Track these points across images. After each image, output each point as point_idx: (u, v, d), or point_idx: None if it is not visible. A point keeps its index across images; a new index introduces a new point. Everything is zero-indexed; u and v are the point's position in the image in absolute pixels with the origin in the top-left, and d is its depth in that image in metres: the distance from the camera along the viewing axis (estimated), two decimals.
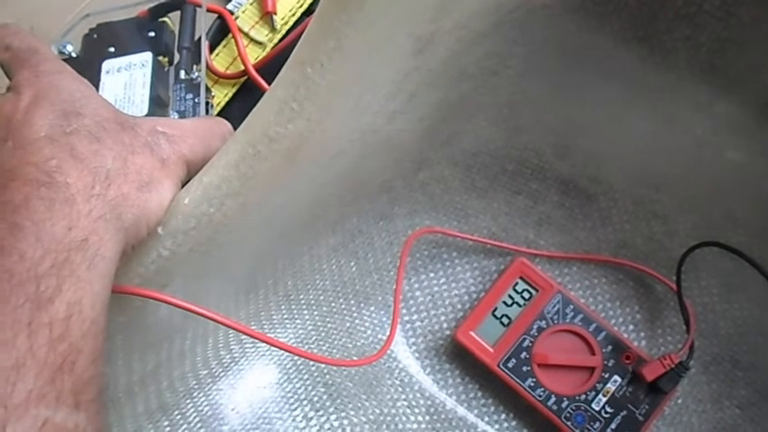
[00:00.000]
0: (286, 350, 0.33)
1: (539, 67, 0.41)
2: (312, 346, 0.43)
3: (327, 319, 0.44)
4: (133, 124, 0.29)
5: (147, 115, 0.37)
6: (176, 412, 0.38)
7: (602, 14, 0.38)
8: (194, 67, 0.39)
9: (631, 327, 0.46)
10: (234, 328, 0.30)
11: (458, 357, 0.46)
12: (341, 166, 0.37)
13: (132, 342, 0.33)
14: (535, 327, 0.44)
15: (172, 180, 0.29)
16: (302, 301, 0.43)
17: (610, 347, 0.44)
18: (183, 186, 0.30)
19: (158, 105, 0.37)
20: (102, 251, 0.25)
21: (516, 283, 0.45)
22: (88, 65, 0.39)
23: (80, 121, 0.27)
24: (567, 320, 0.44)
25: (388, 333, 0.46)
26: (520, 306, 0.45)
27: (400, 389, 0.45)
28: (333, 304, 0.45)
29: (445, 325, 0.47)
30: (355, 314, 0.46)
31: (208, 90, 0.39)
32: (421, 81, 0.37)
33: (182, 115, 0.37)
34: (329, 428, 0.41)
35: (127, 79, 0.38)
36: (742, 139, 0.40)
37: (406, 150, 0.43)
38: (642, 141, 0.43)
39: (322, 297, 0.44)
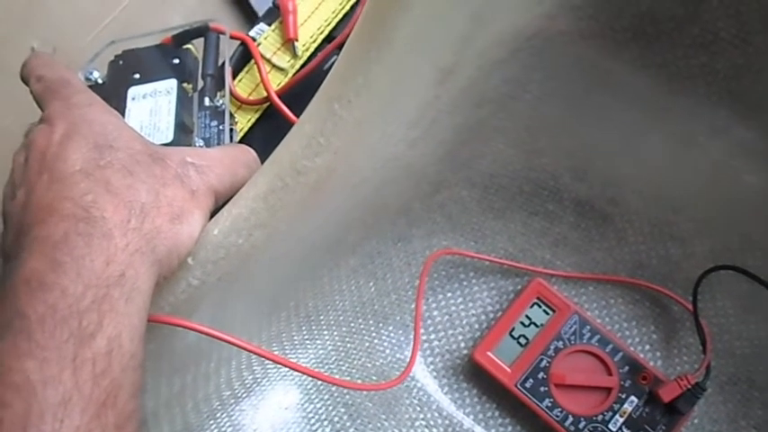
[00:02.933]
0: (307, 374, 0.34)
1: (557, 91, 0.41)
2: (332, 366, 0.43)
3: (347, 340, 0.45)
4: (163, 156, 0.30)
5: (172, 142, 0.37)
6: None
7: (620, 41, 0.38)
8: (218, 93, 0.40)
9: (648, 347, 0.46)
10: (256, 353, 0.31)
11: (475, 377, 0.46)
12: (363, 193, 0.37)
13: (161, 367, 0.33)
14: (552, 347, 0.45)
15: (201, 210, 0.30)
16: (322, 322, 0.44)
17: (626, 368, 0.44)
18: (211, 216, 0.30)
19: (183, 132, 0.38)
20: (139, 284, 0.25)
21: (533, 304, 0.46)
22: (114, 91, 0.40)
23: (113, 155, 0.28)
24: (584, 341, 0.45)
25: (406, 353, 0.46)
26: (537, 327, 0.45)
27: (419, 408, 0.45)
28: (352, 324, 0.45)
29: (463, 345, 0.47)
30: (374, 334, 0.46)
31: (231, 116, 0.40)
32: (442, 108, 0.37)
33: (207, 142, 0.38)
34: None
35: (152, 106, 0.39)
36: (759, 163, 0.41)
37: (424, 174, 0.43)
38: (659, 164, 0.43)
39: (342, 317, 0.45)
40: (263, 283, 0.36)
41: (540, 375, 0.44)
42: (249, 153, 0.34)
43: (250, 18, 0.74)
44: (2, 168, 0.61)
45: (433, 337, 0.47)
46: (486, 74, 0.38)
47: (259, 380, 0.41)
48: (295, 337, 0.42)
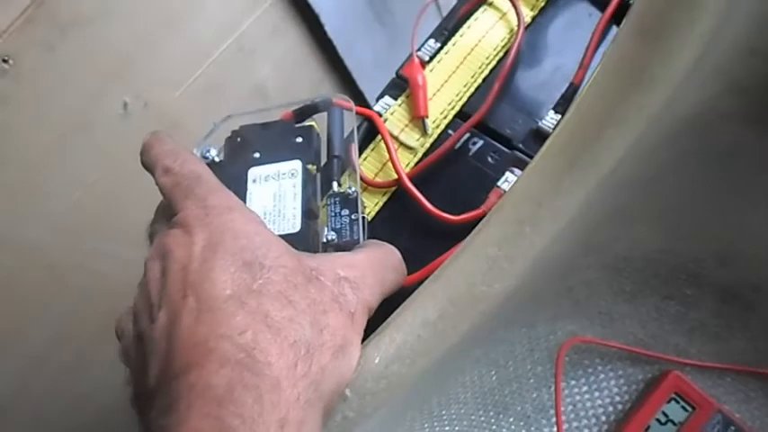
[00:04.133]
0: None
1: (710, 175, 0.38)
2: None
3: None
4: (317, 272, 0.27)
5: (299, 231, 0.34)
6: None
7: None
8: (345, 175, 0.37)
9: None
10: None
11: None
12: (509, 291, 0.34)
13: None
14: None
15: (359, 335, 0.27)
16: (444, 417, 0.41)
17: None
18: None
19: (310, 218, 0.35)
20: None
21: (670, 399, 0.42)
22: (233, 171, 0.37)
23: (265, 276, 0.25)
24: None
25: None
26: (675, 425, 0.41)
27: None
28: (472, 417, 0.42)
29: None
30: (494, 426, 0.43)
31: (362, 203, 0.37)
32: (592, 203, 0.34)
33: (338, 233, 0.35)
34: None
35: (276, 190, 0.36)
36: None
37: (555, 259, 0.40)
38: None
39: (463, 410, 0.41)
40: (400, 399, 0.33)
41: None
42: (395, 255, 0.31)
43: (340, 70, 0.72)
44: (90, 226, 0.59)
45: (556, 429, 0.44)
46: (637, 161, 0.35)
47: None
48: None
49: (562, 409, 0.44)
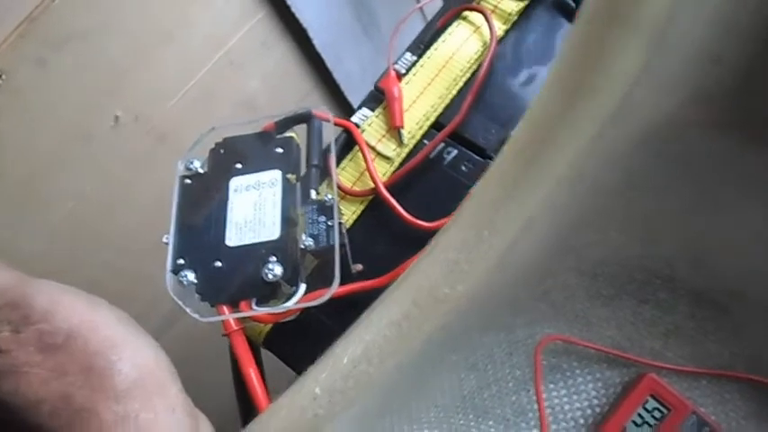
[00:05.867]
0: None
1: (683, 182, 0.39)
2: None
3: None
4: None
5: (279, 238, 0.36)
6: None
7: (757, 133, 0.36)
8: (323, 184, 0.38)
9: None
10: None
11: None
12: (483, 295, 0.35)
13: None
14: None
15: None
16: (423, 421, 0.41)
17: None
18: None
19: (289, 226, 0.36)
20: None
21: (646, 401, 0.43)
22: (216, 182, 0.39)
23: None
24: None
25: None
26: (650, 426, 0.42)
27: None
28: (452, 421, 0.43)
29: None
30: (474, 430, 0.44)
31: (339, 210, 0.38)
32: (559, 206, 0.35)
33: (315, 239, 0.36)
34: None
35: (256, 199, 0.37)
36: None
37: (532, 265, 0.41)
38: None
39: (442, 414, 0.42)
40: (374, 399, 0.34)
41: None
42: None
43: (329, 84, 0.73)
44: (84, 235, 0.61)
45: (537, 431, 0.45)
46: (610, 168, 0.36)
47: None
48: None
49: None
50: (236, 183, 0.38)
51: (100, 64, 0.56)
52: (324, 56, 0.69)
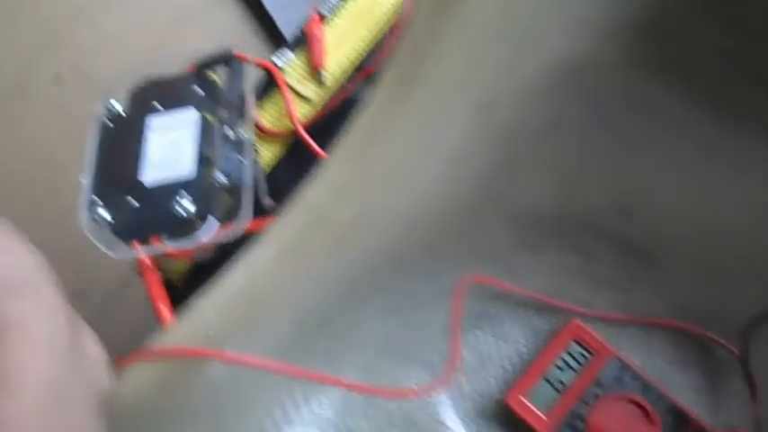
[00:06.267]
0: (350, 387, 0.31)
1: (601, 123, 0.39)
2: (357, 411, 0.41)
3: (371, 382, 0.43)
4: None
5: (196, 177, 0.36)
6: None
7: (668, 71, 0.36)
8: (241, 123, 0.38)
9: (692, 394, 0.43)
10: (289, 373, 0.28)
11: (508, 423, 0.44)
12: (392, 232, 0.35)
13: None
14: (590, 393, 0.42)
15: None
16: (346, 363, 0.42)
17: (670, 417, 0.41)
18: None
19: (205, 165, 0.36)
20: None
21: (570, 346, 0.43)
22: (134, 122, 0.39)
23: None
24: (625, 387, 0.42)
25: (434, 394, 0.44)
26: (574, 371, 0.42)
27: None
28: (377, 365, 0.43)
29: (495, 387, 0.45)
30: (401, 375, 0.44)
31: (255, 149, 0.38)
32: (479, 145, 0.35)
33: (228, 176, 0.36)
34: None
35: (173, 137, 0.37)
36: None
37: (456, 209, 0.41)
38: (711, 200, 0.41)
39: (366, 358, 0.43)
40: (281, 329, 0.34)
41: (578, 424, 0.41)
42: None
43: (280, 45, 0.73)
44: (25, 194, 0.60)
45: (463, 379, 0.45)
46: (526, 107, 0.36)
47: (279, 426, 0.39)
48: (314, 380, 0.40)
49: (467, 357, 0.45)
50: (154, 122, 0.38)
51: (39, 21, 0.55)
52: (273, 15, 0.69)
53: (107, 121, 0.39)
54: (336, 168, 0.26)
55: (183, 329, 0.27)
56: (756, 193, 0.39)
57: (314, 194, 0.27)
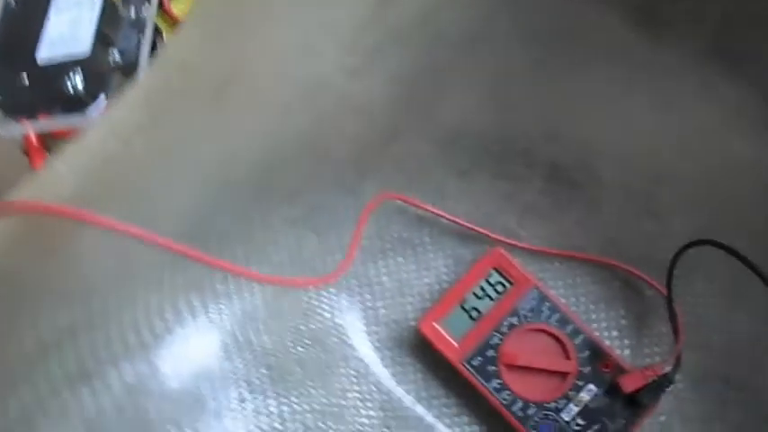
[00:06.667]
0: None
1: (528, 37, 0.37)
2: (259, 323, 0.39)
3: (281, 298, 0.41)
4: None
5: (90, 55, 0.34)
6: (98, 381, 0.35)
7: None
8: (145, 4, 0.36)
9: (615, 333, 0.42)
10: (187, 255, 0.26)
11: (420, 351, 0.42)
12: (296, 127, 0.33)
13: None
14: (506, 323, 0.40)
15: None
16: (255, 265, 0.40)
17: (587, 353, 0.39)
18: None
19: (103, 43, 0.34)
20: None
21: (490, 275, 0.41)
22: (37, 2, 0.37)
23: None
24: (542, 319, 0.40)
25: (347, 318, 0.42)
26: (492, 299, 0.41)
27: (354, 380, 0.41)
28: (278, 270, 0.41)
29: (411, 315, 0.43)
30: (313, 294, 0.42)
31: (159, 32, 0.36)
32: (386, 37, 0.33)
33: (122, 54, 0.34)
34: (266, 413, 0.37)
35: (75, 16, 0.35)
36: (751, 128, 0.36)
37: (375, 117, 0.39)
38: (641, 127, 0.39)
39: (277, 272, 0.41)
40: (168, 212, 0.32)
41: (490, 353, 0.40)
42: None
43: None
44: None
45: (379, 304, 0.43)
46: (439, 4, 0.34)
47: (172, 329, 0.37)
48: (218, 287, 0.38)
49: (386, 284, 0.43)
50: (57, 1, 0.36)
51: None
52: None
53: (10, 0, 0.37)
54: (197, 17, 0.24)
55: (39, 187, 0.25)
56: (690, 120, 0.37)
57: (172, 41, 0.25)
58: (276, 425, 0.36)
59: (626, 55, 0.37)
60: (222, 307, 0.39)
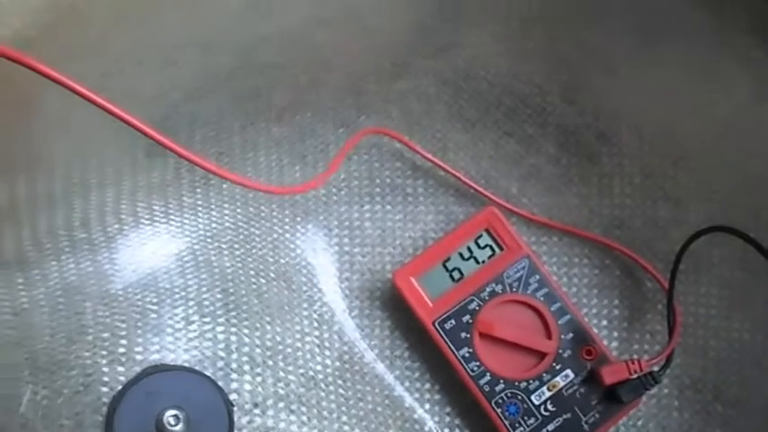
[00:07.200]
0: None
1: None
2: (223, 245, 0.36)
3: (252, 223, 0.38)
4: None
5: None
6: (36, 271, 0.32)
7: None
8: None
9: (605, 322, 0.38)
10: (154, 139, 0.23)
11: (393, 306, 0.39)
12: (283, 25, 0.30)
13: None
14: (488, 290, 0.37)
15: None
16: (225, 191, 0.37)
17: (570, 335, 0.36)
18: None
19: None
20: None
21: (480, 236, 0.37)
22: None
23: None
24: (528, 292, 0.37)
25: (320, 259, 0.39)
26: (477, 263, 0.37)
27: (316, 324, 0.38)
28: (263, 207, 0.38)
29: (389, 267, 0.40)
30: (287, 227, 0.39)
31: None
32: None
33: None
34: (211, 339, 0.34)
35: None
36: None
37: (384, 45, 0.36)
38: (670, 98, 0.35)
39: (251, 194, 0.37)
40: (133, 93, 0.29)
41: (465, 318, 0.36)
42: None
43: None
44: None
45: (357, 250, 0.40)
46: None
47: (126, 232, 0.34)
48: (185, 197, 0.35)
49: (369, 230, 0.40)
50: None
51: None
52: None
53: None
54: None
55: None
56: (727, 95, 0.33)
57: None
58: (220, 352, 0.33)
59: (666, 15, 0.33)
60: (186, 220, 0.35)
